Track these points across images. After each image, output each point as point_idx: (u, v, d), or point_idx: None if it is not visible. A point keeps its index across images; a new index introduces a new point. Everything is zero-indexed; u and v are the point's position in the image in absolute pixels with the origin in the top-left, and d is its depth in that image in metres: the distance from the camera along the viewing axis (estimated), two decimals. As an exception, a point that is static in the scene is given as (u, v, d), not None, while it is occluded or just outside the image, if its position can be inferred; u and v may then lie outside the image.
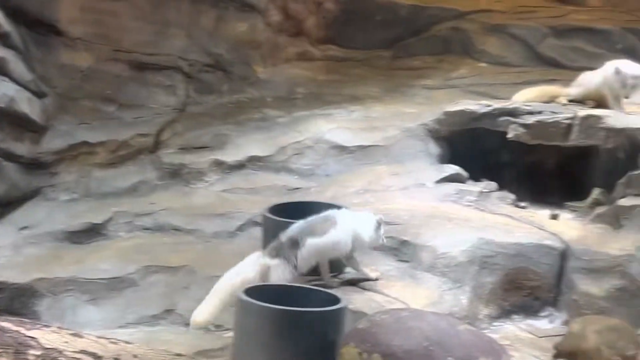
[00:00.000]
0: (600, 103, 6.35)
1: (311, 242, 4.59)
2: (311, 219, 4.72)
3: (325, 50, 8.67)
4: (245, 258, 4.65)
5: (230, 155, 6.47)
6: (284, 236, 4.61)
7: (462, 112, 6.48)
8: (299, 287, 4.56)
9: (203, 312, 4.51)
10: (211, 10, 7.59)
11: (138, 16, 7.33)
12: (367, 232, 4.74)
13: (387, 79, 8.07)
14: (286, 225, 5.10)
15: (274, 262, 4.54)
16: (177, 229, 5.79)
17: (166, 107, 7.21)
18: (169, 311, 5.05)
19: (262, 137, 6.72)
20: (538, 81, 7.10)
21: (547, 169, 6.37)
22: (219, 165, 6.41)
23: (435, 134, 6.52)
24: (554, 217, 5.87)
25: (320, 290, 4.43)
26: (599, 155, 6.12)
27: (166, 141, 6.73)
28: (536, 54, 8.05)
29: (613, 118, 6.08)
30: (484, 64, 8.14)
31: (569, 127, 6.15)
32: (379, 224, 4.77)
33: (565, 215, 5.94)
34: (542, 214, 5.91)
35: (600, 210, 5.77)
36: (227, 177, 6.36)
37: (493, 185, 6.17)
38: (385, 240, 4.84)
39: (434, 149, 6.43)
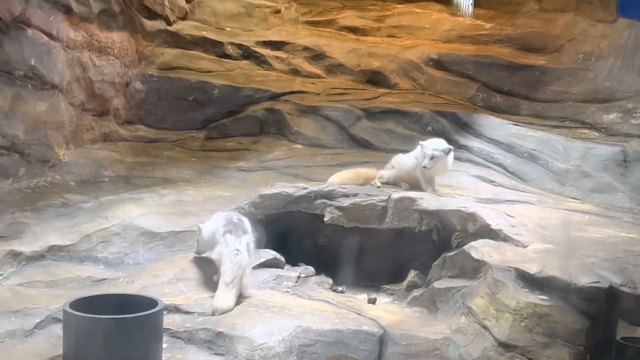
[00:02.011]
0: (414, 185, 6.44)
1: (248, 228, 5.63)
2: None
3: (134, 131, 8.39)
4: (226, 249, 5.38)
5: (27, 245, 6.03)
6: (235, 220, 5.57)
7: (278, 195, 6.40)
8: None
9: (225, 301, 5.24)
10: (7, 89, 7.10)
11: None
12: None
13: (201, 161, 7.91)
14: (91, 322, 4.71)
15: (246, 238, 5.49)
16: (-37, 331, 5.17)
17: (-46, 195, 6.62)
18: None
19: (64, 225, 6.34)
20: (352, 163, 7.20)
21: (365, 252, 6.34)
22: (15, 256, 5.94)
23: (251, 218, 6.33)
24: (372, 301, 5.82)
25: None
26: (414, 237, 6.15)
27: (-47, 232, 6.13)
28: (350, 135, 8.17)
29: (426, 200, 6.16)
30: (299, 146, 8.15)
31: (384, 210, 6.16)
32: None
33: (382, 299, 5.92)
34: (360, 298, 5.88)
35: (416, 292, 5.78)
36: (23, 270, 5.90)
37: (310, 269, 6.09)
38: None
39: (250, 233, 6.24)
